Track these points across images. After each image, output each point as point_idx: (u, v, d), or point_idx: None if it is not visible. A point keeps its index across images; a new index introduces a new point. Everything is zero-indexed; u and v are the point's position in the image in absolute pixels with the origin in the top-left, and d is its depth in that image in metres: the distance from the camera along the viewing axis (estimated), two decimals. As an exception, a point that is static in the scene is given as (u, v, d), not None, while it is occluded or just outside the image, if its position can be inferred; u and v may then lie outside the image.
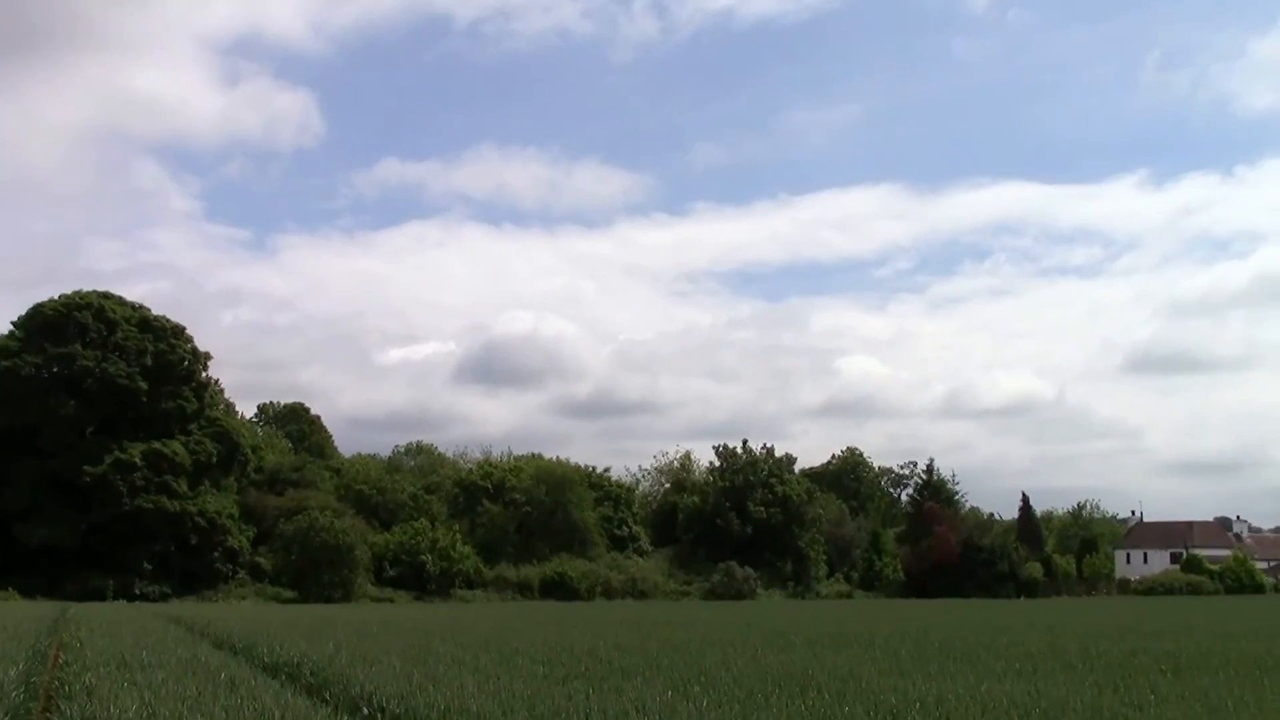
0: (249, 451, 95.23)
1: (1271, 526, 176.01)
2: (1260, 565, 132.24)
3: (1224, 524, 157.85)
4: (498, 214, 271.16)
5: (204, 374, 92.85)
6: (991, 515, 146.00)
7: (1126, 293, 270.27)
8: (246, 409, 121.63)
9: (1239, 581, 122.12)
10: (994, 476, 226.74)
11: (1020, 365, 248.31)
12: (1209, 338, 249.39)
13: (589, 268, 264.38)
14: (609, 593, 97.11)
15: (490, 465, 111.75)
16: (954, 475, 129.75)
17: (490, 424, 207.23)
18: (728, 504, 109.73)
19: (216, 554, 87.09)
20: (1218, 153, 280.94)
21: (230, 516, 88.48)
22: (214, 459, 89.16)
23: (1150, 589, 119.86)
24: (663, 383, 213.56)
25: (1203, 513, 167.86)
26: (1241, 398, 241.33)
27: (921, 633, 38.47)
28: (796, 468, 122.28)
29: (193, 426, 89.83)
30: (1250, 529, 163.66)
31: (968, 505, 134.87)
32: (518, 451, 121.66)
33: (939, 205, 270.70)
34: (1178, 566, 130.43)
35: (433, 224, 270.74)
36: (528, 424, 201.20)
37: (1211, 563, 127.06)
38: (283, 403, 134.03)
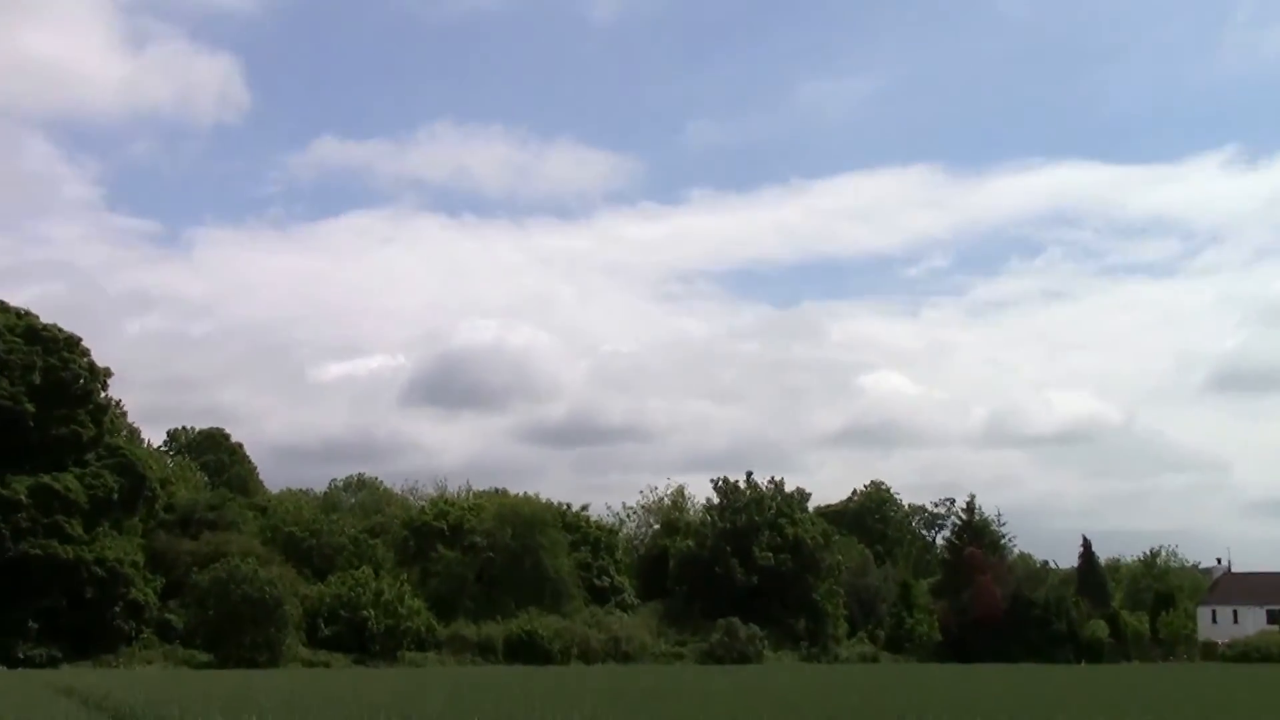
0: (157, 487, 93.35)
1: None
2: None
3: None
4: (456, 203, 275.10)
5: (103, 394, 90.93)
6: (1045, 564, 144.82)
7: (1209, 295, 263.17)
8: (154, 436, 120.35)
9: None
10: (1048, 516, 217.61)
11: (1079, 383, 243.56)
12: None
13: (564, 267, 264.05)
14: (587, 655, 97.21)
15: (446, 503, 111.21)
16: (999, 515, 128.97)
17: (446, 453, 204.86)
18: (729, 549, 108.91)
19: (117, 610, 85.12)
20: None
21: (134, 565, 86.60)
22: (115, 495, 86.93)
23: (1243, 654, 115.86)
24: (651, 404, 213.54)
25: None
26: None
27: (963, 708, 37.16)
28: (810, 505, 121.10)
29: (89, 457, 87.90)
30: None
31: (1016, 551, 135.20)
32: (478, 486, 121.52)
33: (981, 191, 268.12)
34: (1276, 627, 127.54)
35: (379, 215, 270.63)
36: (491, 453, 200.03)
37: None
38: (197, 428, 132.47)
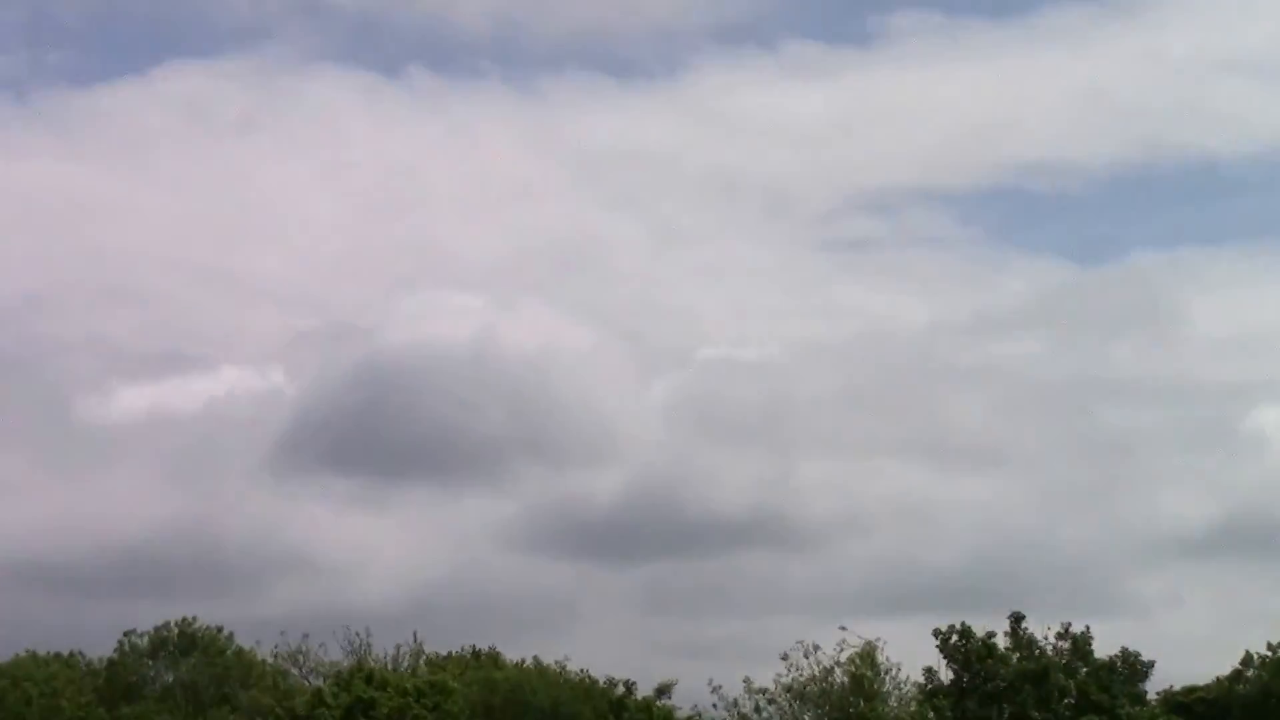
0: None
1: None
2: None
3: None
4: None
5: None
6: None
7: None
8: None
9: None
10: None
11: None
12: None
13: (622, 182, 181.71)
14: None
15: (369, 681, 76.21)
16: None
17: (368, 573, 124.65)
18: None
19: None
20: None
21: None
22: None
23: None
24: (804, 470, 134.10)
25: None
26: None
27: None
28: (1153, 686, 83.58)
29: None
30: None
31: None
32: (438, 645, 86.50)
33: None
34: None
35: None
36: (461, 574, 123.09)
37: None
38: None
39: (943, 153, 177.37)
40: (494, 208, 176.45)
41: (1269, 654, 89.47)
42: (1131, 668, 79.50)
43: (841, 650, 78.76)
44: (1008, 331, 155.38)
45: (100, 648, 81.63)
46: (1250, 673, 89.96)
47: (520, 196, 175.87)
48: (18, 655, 78.59)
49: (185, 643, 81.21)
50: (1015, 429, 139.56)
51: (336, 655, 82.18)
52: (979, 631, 76.42)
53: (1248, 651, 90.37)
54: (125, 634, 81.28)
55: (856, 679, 77.70)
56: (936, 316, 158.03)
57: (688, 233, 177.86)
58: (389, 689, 71.29)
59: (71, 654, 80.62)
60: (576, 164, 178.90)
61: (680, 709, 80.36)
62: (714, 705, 78.96)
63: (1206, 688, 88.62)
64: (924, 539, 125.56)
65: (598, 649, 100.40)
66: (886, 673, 78.98)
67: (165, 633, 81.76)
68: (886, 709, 77.96)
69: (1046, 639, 77.05)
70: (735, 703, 78.57)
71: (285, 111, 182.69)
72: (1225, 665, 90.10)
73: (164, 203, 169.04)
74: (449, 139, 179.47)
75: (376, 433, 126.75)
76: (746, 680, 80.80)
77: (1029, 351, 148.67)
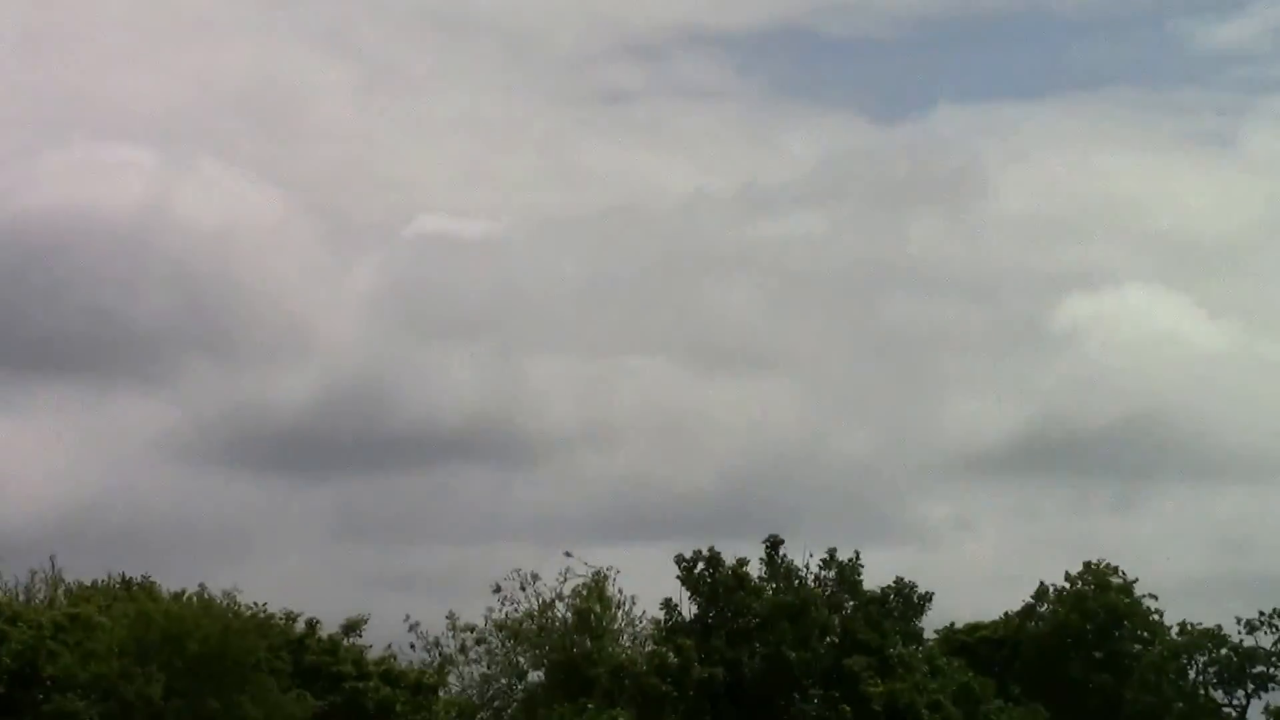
0: None
1: None
2: None
3: None
4: None
5: None
6: None
7: None
8: None
9: None
10: None
11: None
12: None
13: (326, 15, 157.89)
14: None
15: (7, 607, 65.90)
16: None
17: (16, 486, 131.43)
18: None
19: None
20: None
21: None
22: None
23: None
24: (529, 366, 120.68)
25: None
26: None
27: None
28: (931, 623, 76.04)
29: None
30: None
31: None
32: (84, 572, 72.12)
33: None
34: None
35: None
36: (116, 489, 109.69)
37: None
38: None
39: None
40: (168, 45, 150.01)
41: (1067, 586, 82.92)
42: (906, 601, 70.71)
43: (565, 581, 68.92)
44: (785, 207, 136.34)
45: None
46: (1044, 608, 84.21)
47: (200, 31, 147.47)
48: None
49: None
50: (788, 325, 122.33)
51: None
52: (730, 559, 67.18)
53: (1043, 583, 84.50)
54: None
55: (582, 614, 67.61)
56: (702, 187, 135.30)
57: (404, 79, 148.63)
58: (20, 623, 60.80)
59: None
60: None
61: (371, 647, 68.53)
62: (411, 646, 68.78)
63: (993, 625, 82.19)
64: (675, 453, 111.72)
65: (279, 579, 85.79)
66: (619, 607, 69.33)
67: None
68: (618, 649, 67.82)
69: (808, 568, 67.63)
70: (437, 642, 68.51)
71: None
72: (1017, 600, 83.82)
73: None
74: None
75: (10, 316, 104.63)
76: (451, 615, 71.45)
77: (808, 232, 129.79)
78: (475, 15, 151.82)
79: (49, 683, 60.07)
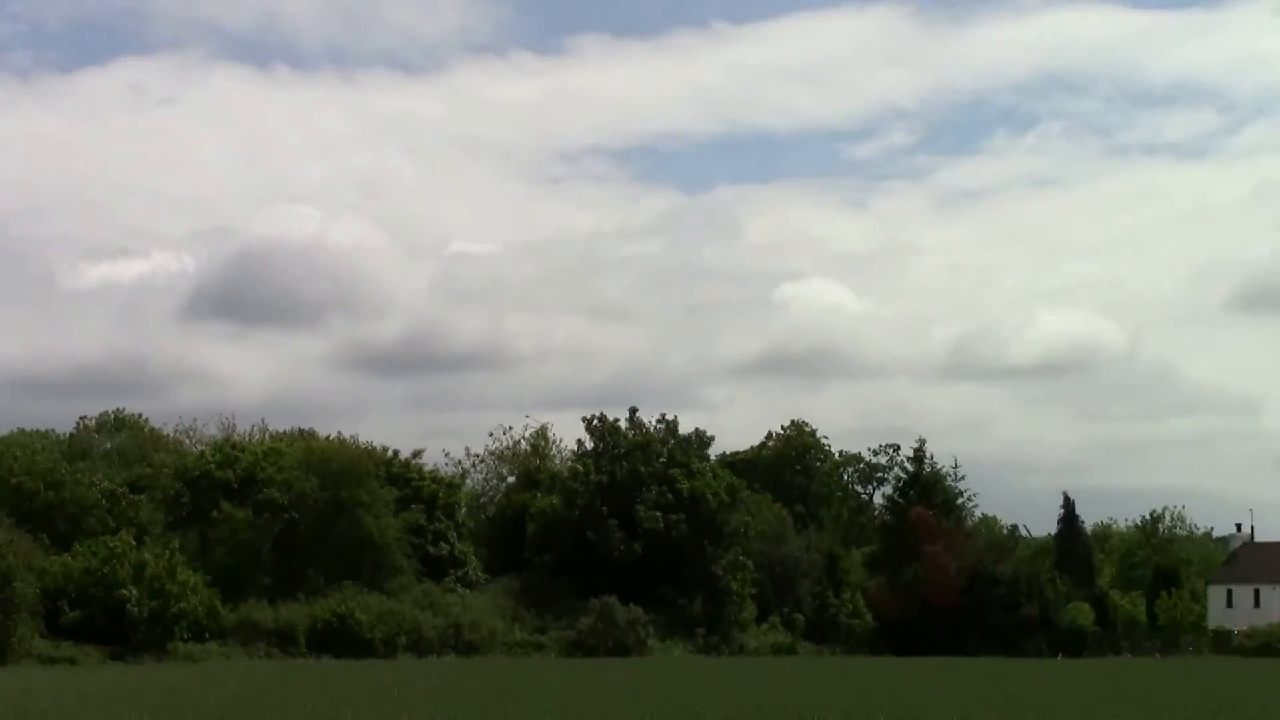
0: None
1: None
2: None
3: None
4: (264, 53, 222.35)
5: None
6: (1015, 530, 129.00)
7: (1247, 185, 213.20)
8: None
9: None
10: (1024, 472, 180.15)
11: (1075, 298, 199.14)
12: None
13: (405, 138, 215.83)
14: (419, 645, 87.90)
15: (234, 448, 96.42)
16: (957, 467, 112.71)
17: (239, 385, 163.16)
18: (605, 509, 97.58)
19: None
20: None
21: None
22: None
23: (1264, 646, 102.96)
24: (512, 322, 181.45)
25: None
26: None
27: (908, 717, 36.26)
28: (713, 453, 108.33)
29: None
30: None
31: (978, 514, 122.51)
32: (278, 426, 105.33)
33: (959, 44, 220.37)
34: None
35: (158, 64, 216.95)
36: (297, 385, 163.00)
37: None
38: None
39: (603, 124, 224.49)
40: (325, 152, 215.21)
41: (782, 430, 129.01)
42: (701, 440, 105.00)
43: (526, 430, 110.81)
44: (641, 237, 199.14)
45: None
46: (770, 444, 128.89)
47: (342, 145, 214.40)
48: (12, 432, 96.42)
49: (118, 423, 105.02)
50: (641, 299, 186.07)
51: (214, 433, 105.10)
52: (610, 418, 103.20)
53: (770, 431, 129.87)
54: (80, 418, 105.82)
55: (535, 447, 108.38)
56: (597, 226, 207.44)
57: (446, 170, 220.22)
58: (247, 451, 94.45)
59: (46, 430, 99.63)
60: (375, 129, 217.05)
61: (430, 467, 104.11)
62: (450, 462, 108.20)
63: (745, 452, 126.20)
64: (588, 366, 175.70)
65: (378, 432, 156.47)
66: (553, 444, 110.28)
67: (105, 417, 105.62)
68: (553, 465, 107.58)
69: (652, 423, 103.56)
70: (459, 462, 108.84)
71: (193, 91, 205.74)
72: (758, 438, 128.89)
73: (114, 146, 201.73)
74: (294, 111, 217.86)
75: (243, 297, 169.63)
76: (467, 449, 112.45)
77: (653, 250, 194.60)
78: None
79: (261, 481, 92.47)
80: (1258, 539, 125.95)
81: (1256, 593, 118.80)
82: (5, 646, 75.20)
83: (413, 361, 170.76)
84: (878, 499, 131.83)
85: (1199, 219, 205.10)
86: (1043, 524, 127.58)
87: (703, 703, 39.20)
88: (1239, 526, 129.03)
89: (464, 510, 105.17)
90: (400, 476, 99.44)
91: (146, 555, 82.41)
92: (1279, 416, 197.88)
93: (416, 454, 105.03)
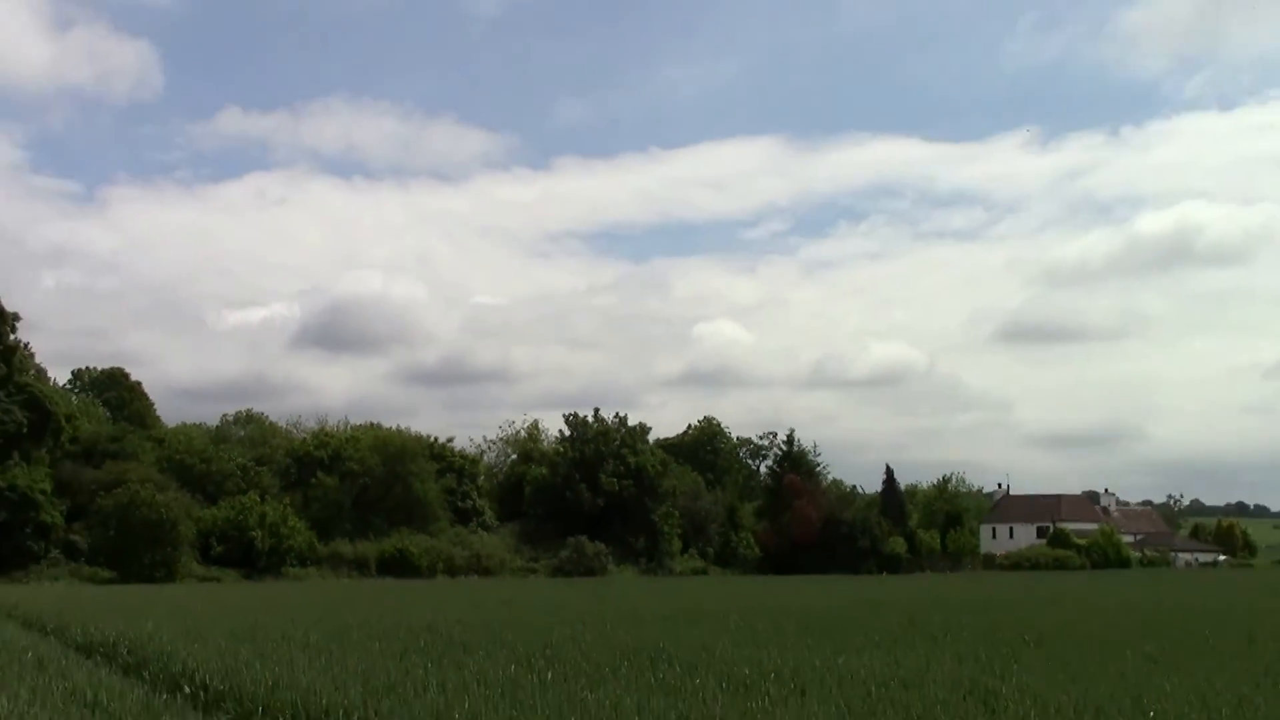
0: (62, 420, 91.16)
1: (1139, 500, 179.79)
2: (1127, 539, 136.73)
3: (1091, 498, 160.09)
4: (346, 168, 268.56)
5: (12, 336, 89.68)
6: (854, 489, 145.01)
7: (1001, 258, 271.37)
8: (60, 376, 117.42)
9: (1105, 556, 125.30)
10: (859, 450, 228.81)
11: (893, 333, 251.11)
12: (1083, 306, 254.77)
13: (443, 226, 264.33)
14: (452, 569, 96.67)
15: (326, 435, 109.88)
16: (816, 447, 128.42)
17: (329, 393, 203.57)
18: (578, 476, 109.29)
19: (27, 531, 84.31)
20: (1104, 112, 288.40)
21: (42, 491, 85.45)
22: (24, 428, 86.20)
23: (1016, 564, 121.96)
24: (516, 351, 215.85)
25: (1071, 487, 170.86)
26: (1114, 369, 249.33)
27: (778, 608, 39.56)
28: (651, 438, 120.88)
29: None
30: (1118, 502, 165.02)
31: (830, 478, 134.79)
32: (356, 421, 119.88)
33: (819, 163, 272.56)
34: (1044, 541, 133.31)
35: (276, 177, 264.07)
36: (370, 393, 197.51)
37: (1079, 537, 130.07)
38: (99, 368, 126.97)
39: (578, 216, 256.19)
40: (389, 235, 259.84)
41: (698, 424, 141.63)
42: (643, 430, 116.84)
43: (524, 423, 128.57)
44: (603, 293, 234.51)
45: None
46: (690, 432, 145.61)
47: (400, 231, 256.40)
48: (178, 425, 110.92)
49: (248, 419, 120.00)
50: (600, 333, 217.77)
51: (313, 426, 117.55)
52: (582, 415, 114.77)
53: (689, 424, 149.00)
54: (223, 415, 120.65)
55: (530, 435, 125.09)
56: (574, 286, 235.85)
57: (471, 248, 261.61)
58: (335, 438, 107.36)
59: (200, 423, 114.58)
60: (423, 219, 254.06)
61: (459, 448, 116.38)
62: (472, 444, 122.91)
63: (673, 438, 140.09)
64: (568, 376, 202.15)
65: (424, 425, 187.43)
66: (543, 433, 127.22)
67: (240, 415, 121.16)
68: (543, 446, 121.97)
69: (610, 418, 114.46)
70: (478, 445, 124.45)
71: (299, 194, 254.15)
72: (681, 428, 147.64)
73: (247, 232, 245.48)
74: (368, 208, 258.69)
75: (332, 333, 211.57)
76: (485, 437, 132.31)
77: (611, 302, 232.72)
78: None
79: (344, 458, 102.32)
80: (1013, 493, 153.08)
81: (1011, 529, 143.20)
82: (173, 569, 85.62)
83: (448, 377, 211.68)
84: (762, 469, 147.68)
85: (973, 282, 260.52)
86: (872, 484, 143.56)
87: (645, 606, 39.93)
88: (1000, 485, 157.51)
89: (482, 478, 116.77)
90: (439, 455, 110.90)
91: (267, 508, 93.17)
92: (1025, 412, 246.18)
93: (450, 440, 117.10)
